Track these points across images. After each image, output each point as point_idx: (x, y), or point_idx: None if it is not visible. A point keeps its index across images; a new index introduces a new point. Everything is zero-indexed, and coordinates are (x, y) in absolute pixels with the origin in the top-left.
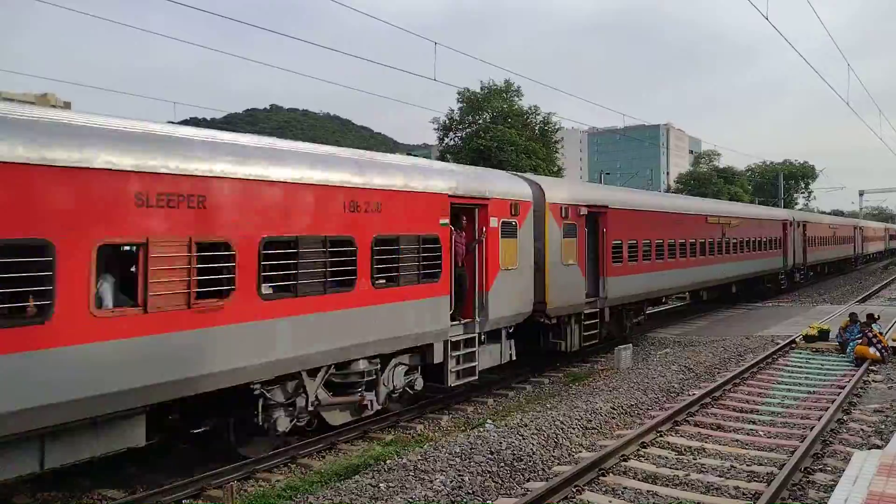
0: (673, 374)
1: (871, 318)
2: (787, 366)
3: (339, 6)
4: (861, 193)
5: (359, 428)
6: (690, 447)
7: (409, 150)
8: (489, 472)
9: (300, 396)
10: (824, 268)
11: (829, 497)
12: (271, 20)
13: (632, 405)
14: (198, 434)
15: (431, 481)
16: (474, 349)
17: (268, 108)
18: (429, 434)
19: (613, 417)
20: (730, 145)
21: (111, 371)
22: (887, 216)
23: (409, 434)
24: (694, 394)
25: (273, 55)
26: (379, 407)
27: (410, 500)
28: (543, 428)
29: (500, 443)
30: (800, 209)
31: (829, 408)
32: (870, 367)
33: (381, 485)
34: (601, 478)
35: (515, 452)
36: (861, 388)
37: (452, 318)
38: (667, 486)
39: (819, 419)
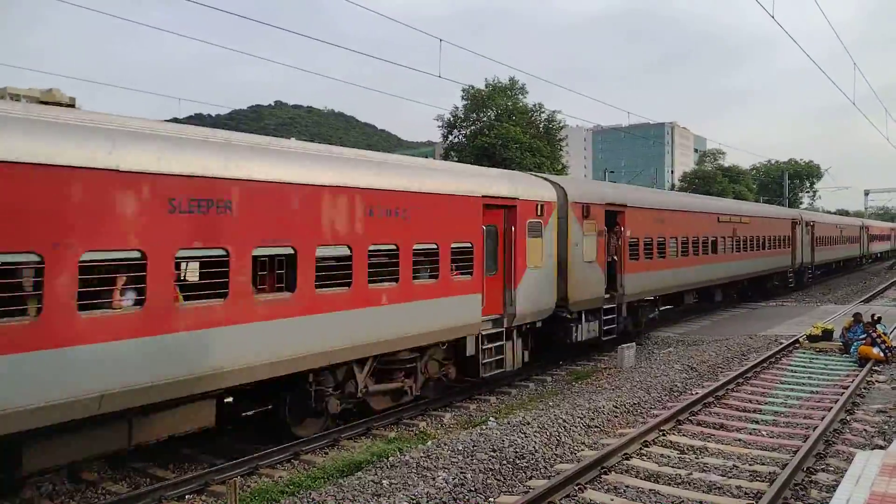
0: (676, 373)
1: (875, 318)
2: (790, 365)
3: (345, 2)
4: (866, 193)
5: (362, 424)
6: (693, 446)
7: (414, 147)
8: (491, 469)
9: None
10: (831, 266)
11: (831, 497)
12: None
13: (634, 404)
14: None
15: (434, 478)
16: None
17: (272, 104)
18: (431, 431)
19: (616, 416)
20: (735, 144)
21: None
22: (893, 216)
23: (412, 431)
24: (697, 393)
25: (278, 52)
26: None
27: (413, 496)
28: (546, 426)
29: (503, 440)
30: (805, 208)
31: (832, 408)
32: (873, 368)
33: (383, 481)
34: (603, 476)
35: (518, 450)
36: (864, 388)
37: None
38: (669, 484)
39: (822, 419)
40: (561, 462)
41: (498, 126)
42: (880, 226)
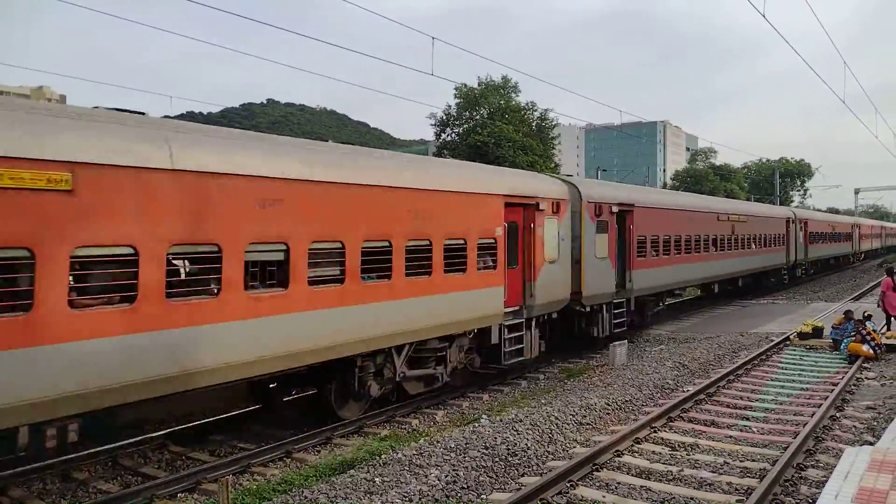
0: (667, 370)
1: (865, 315)
2: (781, 363)
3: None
4: (857, 191)
5: (354, 423)
6: (684, 443)
7: (406, 145)
8: (484, 466)
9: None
10: (826, 263)
11: (820, 493)
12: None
13: (626, 401)
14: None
15: (426, 476)
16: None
17: (264, 102)
18: (424, 429)
19: (608, 413)
20: (726, 143)
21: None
22: (883, 214)
23: (405, 429)
24: (688, 390)
25: (269, 50)
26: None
27: (405, 494)
28: (538, 423)
29: (495, 438)
30: (796, 207)
31: (822, 405)
32: (863, 365)
33: (376, 479)
34: (595, 473)
35: (510, 447)
36: (854, 385)
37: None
38: (660, 481)
39: (812, 416)
40: (553, 459)
41: (491, 124)
42: (871, 224)
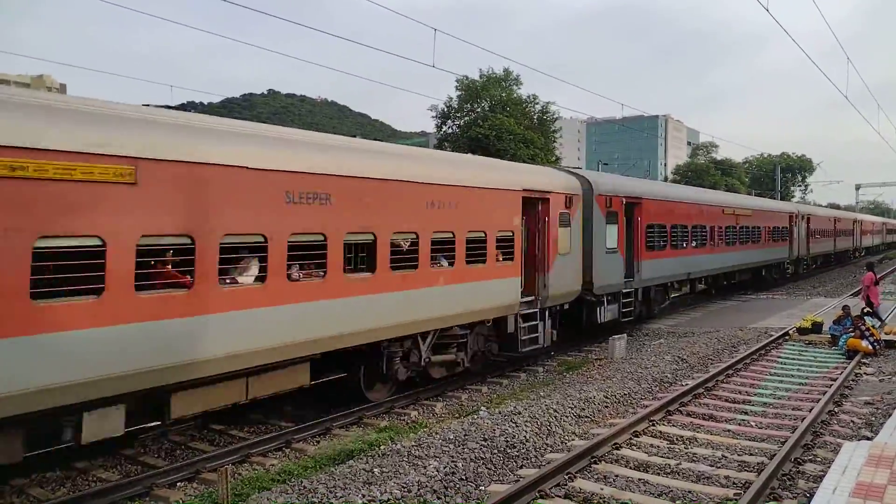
0: (666, 364)
1: (864, 311)
2: (779, 358)
3: None
4: (857, 187)
5: (353, 414)
6: (682, 437)
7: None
8: (482, 458)
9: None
10: (827, 258)
11: (818, 487)
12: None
13: (625, 394)
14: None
15: (425, 467)
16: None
17: (265, 93)
18: (423, 421)
19: (606, 406)
20: (727, 137)
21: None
22: (883, 210)
23: (404, 420)
24: (687, 384)
25: (271, 40)
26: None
27: (404, 485)
28: (537, 416)
29: (494, 430)
30: (796, 202)
31: (820, 399)
32: (862, 360)
33: (374, 470)
34: (593, 465)
35: (509, 440)
36: (853, 380)
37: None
38: (658, 474)
39: (810, 411)
40: (551, 451)
41: (492, 117)
42: (871, 220)
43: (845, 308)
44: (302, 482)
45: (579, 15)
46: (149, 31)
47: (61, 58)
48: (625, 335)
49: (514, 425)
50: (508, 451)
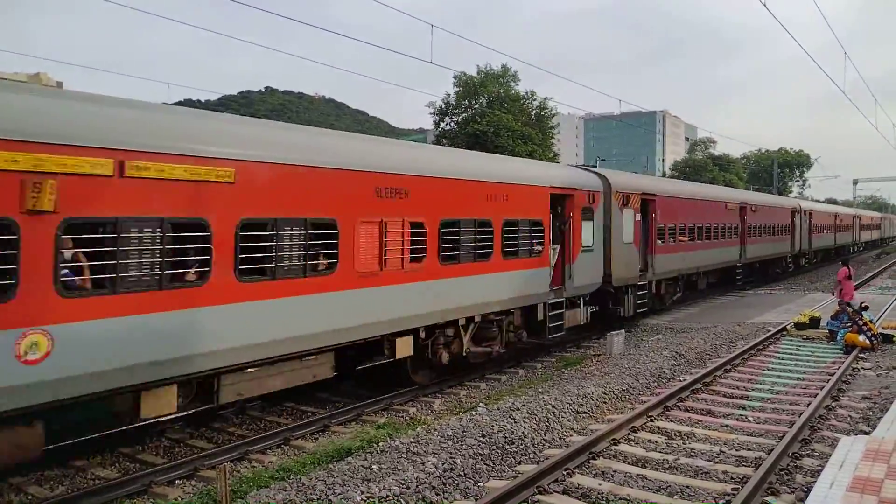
0: (664, 359)
1: (862, 306)
2: (777, 353)
3: None
4: (855, 182)
5: (352, 410)
6: (680, 432)
7: (405, 134)
8: (481, 454)
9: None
10: (827, 253)
11: (815, 481)
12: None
13: (623, 390)
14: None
15: (423, 463)
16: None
17: (262, 90)
18: (421, 417)
19: (605, 402)
20: (725, 133)
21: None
22: (881, 205)
23: (402, 417)
24: (685, 379)
25: (268, 37)
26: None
27: (402, 481)
28: (535, 412)
29: (492, 426)
30: (794, 197)
31: (818, 394)
32: (859, 355)
33: (373, 466)
34: (592, 461)
35: (507, 436)
36: (850, 375)
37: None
38: (656, 469)
39: (808, 405)
40: (550, 447)
41: (490, 113)
42: (870, 215)
43: (840, 303)
44: (301, 479)
45: (576, 12)
46: (146, 29)
47: (58, 56)
48: (623, 331)
49: (512, 421)
50: (507, 447)
